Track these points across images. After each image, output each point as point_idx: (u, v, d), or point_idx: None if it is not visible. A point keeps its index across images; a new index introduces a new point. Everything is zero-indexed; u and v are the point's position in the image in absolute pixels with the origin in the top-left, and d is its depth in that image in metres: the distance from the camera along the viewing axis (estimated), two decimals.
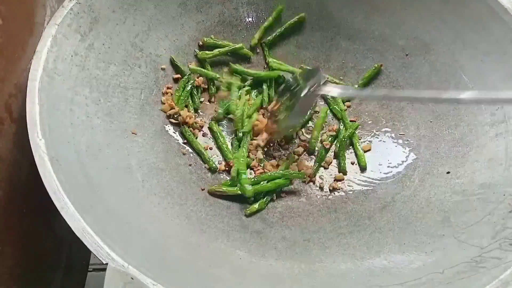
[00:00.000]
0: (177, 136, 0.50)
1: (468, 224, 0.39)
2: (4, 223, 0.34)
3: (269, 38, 0.56)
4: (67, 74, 0.40)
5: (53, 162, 0.33)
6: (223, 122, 0.53)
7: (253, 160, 0.50)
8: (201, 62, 0.54)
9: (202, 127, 0.52)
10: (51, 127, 0.35)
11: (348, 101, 0.55)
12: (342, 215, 0.47)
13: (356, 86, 0.55)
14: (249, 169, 0.49)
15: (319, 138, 0.52)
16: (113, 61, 0.46)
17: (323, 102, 0.56)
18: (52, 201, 0.31)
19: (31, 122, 0.34)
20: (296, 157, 0.51)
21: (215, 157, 0.50)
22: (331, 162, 0.51)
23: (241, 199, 0.47)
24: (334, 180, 0.50)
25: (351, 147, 0.52)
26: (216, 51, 0.54)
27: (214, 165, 0.49)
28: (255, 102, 0.53)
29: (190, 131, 0.50)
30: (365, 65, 0.55)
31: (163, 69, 0.52)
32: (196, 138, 0.50)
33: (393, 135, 0.52)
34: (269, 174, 0.48)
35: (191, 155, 0.50)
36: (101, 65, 0.44)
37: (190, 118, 0.50)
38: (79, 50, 0.42)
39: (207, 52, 0.54)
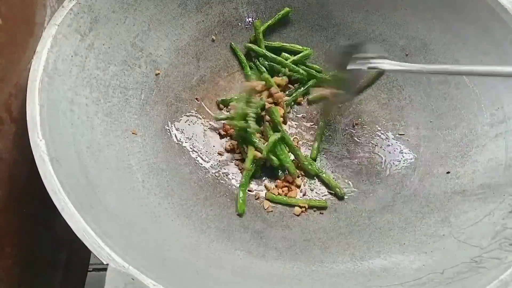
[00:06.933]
0: (177, 136, 0.50)
1: (468, 224, 0.39)
2: (4, 223, 0.34)
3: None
4: (67, 74, 0.40)
5: (53, 163, 0.33)
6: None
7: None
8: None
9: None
10: (51, 128, 0.35)
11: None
12: (342, 215, 0.47)
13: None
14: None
15: None
16: (113, 61, 0.46)
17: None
18: (52, 201, 0.31)
19: (31, 122, 0.34)
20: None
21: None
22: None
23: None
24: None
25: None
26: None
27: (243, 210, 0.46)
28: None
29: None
30: None
31: (157, 74, 0.51)
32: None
33: (393, 135, 0.52)
34: None
35: (191, 155, 0.50)
36: (101, 65, 0.44)
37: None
38: (79, 50, 0.42)
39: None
